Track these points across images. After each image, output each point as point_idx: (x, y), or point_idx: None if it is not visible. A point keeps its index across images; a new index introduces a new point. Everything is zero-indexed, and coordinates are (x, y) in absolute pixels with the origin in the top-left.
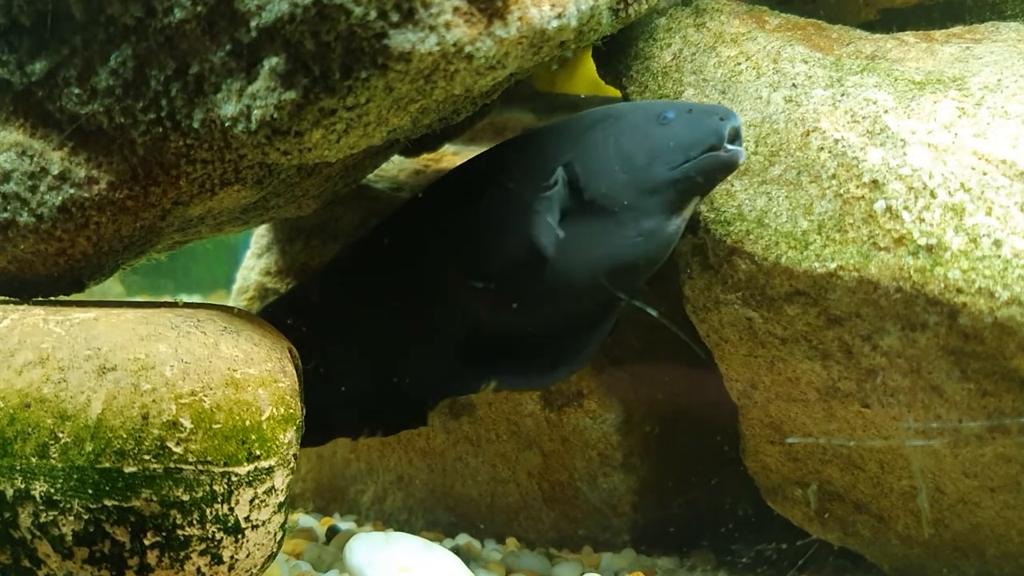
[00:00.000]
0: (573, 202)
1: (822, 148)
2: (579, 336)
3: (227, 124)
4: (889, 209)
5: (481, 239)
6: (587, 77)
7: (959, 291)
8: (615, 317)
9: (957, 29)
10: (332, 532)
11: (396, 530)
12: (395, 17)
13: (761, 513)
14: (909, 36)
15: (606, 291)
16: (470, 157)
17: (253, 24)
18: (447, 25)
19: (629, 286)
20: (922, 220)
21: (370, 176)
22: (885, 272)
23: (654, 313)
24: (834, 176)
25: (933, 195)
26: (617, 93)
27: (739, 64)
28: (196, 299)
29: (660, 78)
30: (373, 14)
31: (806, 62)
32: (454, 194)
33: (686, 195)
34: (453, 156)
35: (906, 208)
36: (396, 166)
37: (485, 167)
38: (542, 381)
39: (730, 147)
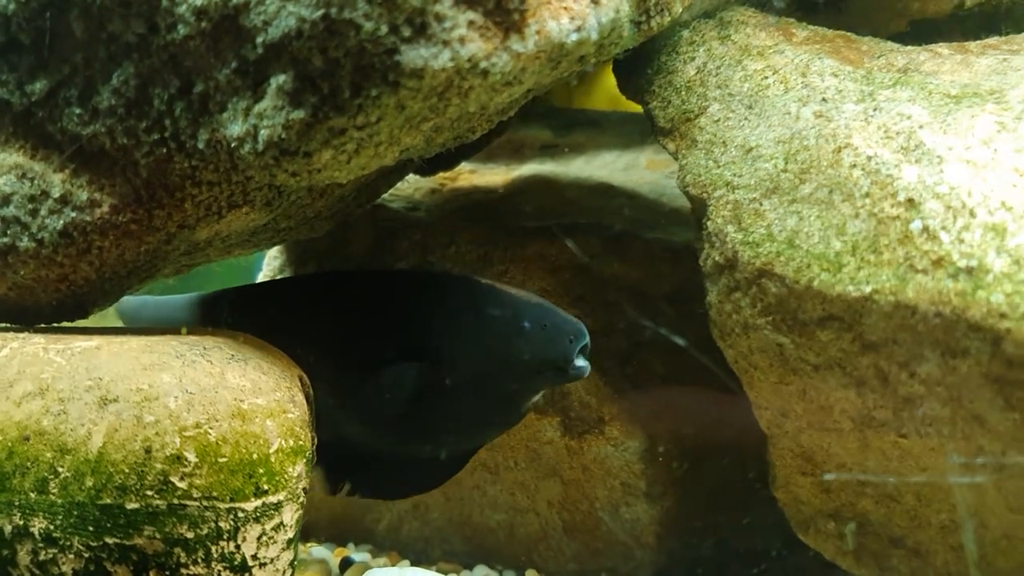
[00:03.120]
0: (434, 375)
1: (854, 165)
2: (433, 470)
3: (233, 145)
4: (926, 229)
5: (349, 375)
6: (605, 92)
7: (1003, 316)
8: (466, 461)
9: (993, 40)
10: (346, 564)
11: (412, 561)
12: (407, 32)
13: (790, 546)
14: (943, 48)
15: (458, 444)
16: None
17: (259, 40)
18: (461, 40)
19: (477, 446)
20: (961, 241)
21: (385, 195)
22: (923, 296)
23: (682, 343)
24: (867, 195)
25: (972, 214)
26: (638, 108)
27: (766, 78)
28: None
29: (683, 92)
30: (384, 29)
31: (836, 75)
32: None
33: (533, 393)
34: (469, 174)
35: (944, 228)
36: (411, 185)
37: (368, 291)
38: (391, 496)
39: (577, 364)
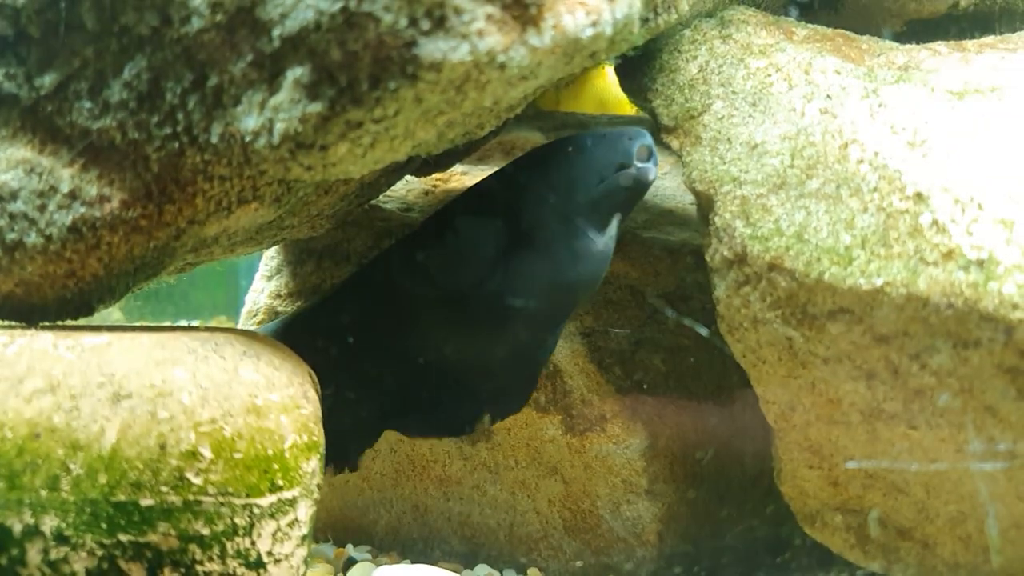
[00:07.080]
0: (513, 236)
1: (861, 160)
2: (510, 378)
3: (248, 139)
4: (935, 223)
5: (436, 275)
6: (593, 96)
7: (1015, 306)
8: (550, 351)
9: (990, 39)
10: (348, 563)
11: (412, 561)
12: (426, 25)
13: (791, 541)
14: (941, 46)
15: (544, 318)
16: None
17: (276, 33)
18: (480, 33)
19: (566, 308)
20: (971, 233)
21: (380, 197)
22: (935, 288)
23: (704, 332)
24: (876, 189)
25: (980, 207)
26: (625, 110)
27: (769, 76)
28: (196, 324)
29: (687, 91)
30: (403, 22)
31: (839, 73)
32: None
33: (606, 213)
34: (462, 176)
35: (953, 221)
36: (405, 186)
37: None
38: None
39: (640, 165)
